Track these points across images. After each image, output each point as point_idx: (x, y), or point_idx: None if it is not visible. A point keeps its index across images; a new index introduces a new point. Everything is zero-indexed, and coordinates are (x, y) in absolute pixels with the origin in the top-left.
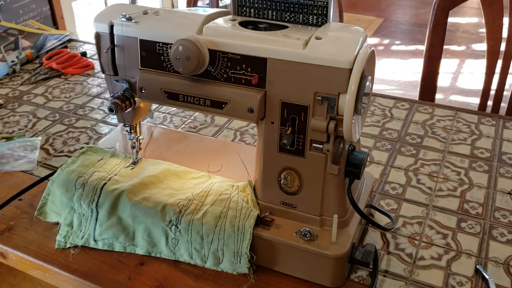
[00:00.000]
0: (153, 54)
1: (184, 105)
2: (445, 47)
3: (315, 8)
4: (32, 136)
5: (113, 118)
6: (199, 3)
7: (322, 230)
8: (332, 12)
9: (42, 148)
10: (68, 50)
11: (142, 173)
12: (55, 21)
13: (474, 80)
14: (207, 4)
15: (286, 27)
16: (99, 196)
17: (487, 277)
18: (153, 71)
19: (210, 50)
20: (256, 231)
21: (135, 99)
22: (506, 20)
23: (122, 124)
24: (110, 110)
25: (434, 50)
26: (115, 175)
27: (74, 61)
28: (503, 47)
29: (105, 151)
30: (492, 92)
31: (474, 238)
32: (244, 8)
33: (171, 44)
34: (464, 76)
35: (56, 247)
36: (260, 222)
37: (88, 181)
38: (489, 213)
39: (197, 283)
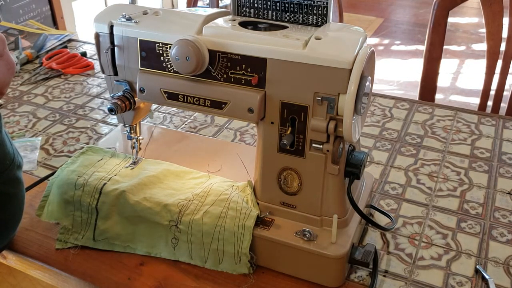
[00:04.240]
0: (153, 54)
1: (184, 105)
2: (445, 47)
3: (315, 8)
4: (32, 136)
5: (113, 118)
6: (199, 3)
7: (322, 230)
8: (332, 12)
9: (42, 148)
10: (68, 50)
11: (142, 173)
12: (55, 21)
13: (474, 80)
14: (207, 4)
15: (286, 27)
16: (99, 196)
17: (487, 277)
18: (153, 71)
19: (210, 50)
20: (256, 231)
21: (135, 99)
22: (506, 20)
23: (122, 124)
24: (110, 110)
25: (434, 50)
26: (115, 175)
27: (74, 61)
28: (503, 47)
29: (105, 151)
30: (492, 92)
31: (474, 238)
32: (244, 8)
33: (171, 44)
34: (464, 76)
35: (56, 247)
36: (260, 222)
37: (88, 181)
38: (489, 213)
39: (197, 283)
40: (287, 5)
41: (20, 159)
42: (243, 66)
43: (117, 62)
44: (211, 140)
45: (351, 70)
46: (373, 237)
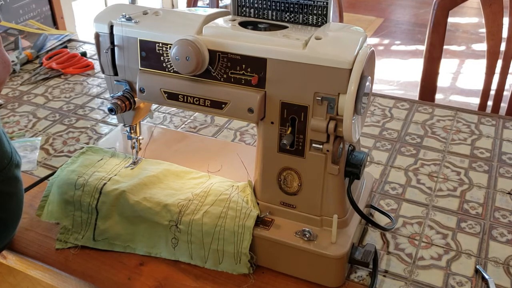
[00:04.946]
0: (153, 54)
1: (184, 105)
2: (445, 47)
3: (315, 8)
4: (32, 136)
5: (113, 118)
6: (199, 3)
7: (322, 230)
8: (332, 12)
9: (42, 148)
10: (68, 50)
11: (142, 173)
12: (55, 21)
13: (474, 80)
14: (207, 4)
15: (286, 27)
16: (99, 196)
17: (487, 277)
18: (153, 71)
19: (210, 50)
20: (256, 231)
21: (135, 99)
22: (506, 20)
23: (122, 124)
24: (110, 110)
25: (434, 50)
26: (115, 175)
27: (74, 61)
28: (503, 47)
29: (105, 151)
30: (492, 92)
31: (474, 238)
32: (244, 8)
33: (171, 44)
34: (464, 76)
35: (56, 247)
36: (260, 222)
37: (88, 181)
38: (489, 213)
39: (197, 283)
40: (287, 5)
41: (18, 158)
42: (243, 66)
43: (117, 62)
44: (211, 140)
45: (351, 70)
46: (373, 237)
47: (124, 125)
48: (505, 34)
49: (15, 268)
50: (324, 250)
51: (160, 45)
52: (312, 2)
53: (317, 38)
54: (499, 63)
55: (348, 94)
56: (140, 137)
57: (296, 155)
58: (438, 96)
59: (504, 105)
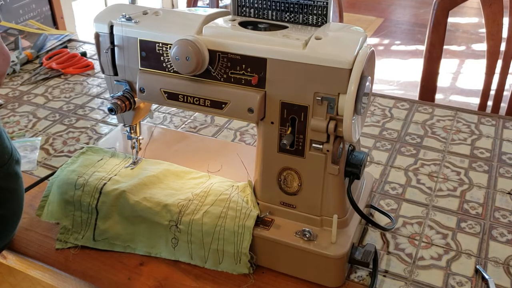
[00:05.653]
0: (153, 54)
1: (184, 105)
2: (445, 47)
3: (315, 8)
4: (32, 136)
5: (113, 118)
6: (199, 3)
7: (322, 230)
8: (332, 12)
9: (42, 148)
10: (68, 50)
11: (142, 173)
12: (55, 21)
13: (474, 80)
14: (207, 4)
15: (286, 27)
16: (99, 196)
17: (487, 277)
18: (153, 71)
19: (210, 50)
20: (256, 231)
21: (135, 99)
22: (506, 20)
23: (122, 124)
24: (110, 110)
25: (434, 50)
26: (115, 175)
27: (74, 61)
28: (503, 47)
29: (105, 151)
30: (492, 92)
31: (474, 238)
32: (244, 8)
33: (171, 44)
34: (464, 76)
35: (56, 247)
36: (260, 222)
37: (88, 181)
38: (489, 213)
39: (197, 283)
40: (287, 5)
41: (18, 154)
42: (243, 66)
43: (117, 62)
44: (211, 140)
45: (351, 70)
46: (373, 237)
47: (124, 125)
48: (505, 34)
49: (15, 268)
50: (324, 250)
51: (160, 45)
52: (312, 2)
53: (317, 38)
54: (499, 63)
55: (348, 94)
56: (140, 137)
57: (296, 155)
58: (438, 96)
59: (504, 105)
